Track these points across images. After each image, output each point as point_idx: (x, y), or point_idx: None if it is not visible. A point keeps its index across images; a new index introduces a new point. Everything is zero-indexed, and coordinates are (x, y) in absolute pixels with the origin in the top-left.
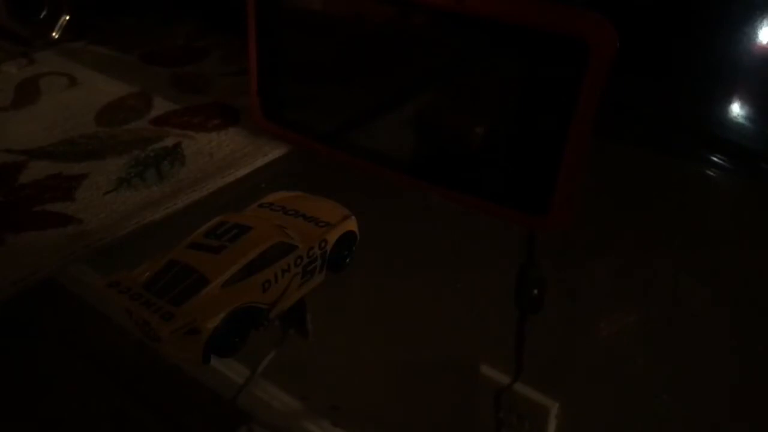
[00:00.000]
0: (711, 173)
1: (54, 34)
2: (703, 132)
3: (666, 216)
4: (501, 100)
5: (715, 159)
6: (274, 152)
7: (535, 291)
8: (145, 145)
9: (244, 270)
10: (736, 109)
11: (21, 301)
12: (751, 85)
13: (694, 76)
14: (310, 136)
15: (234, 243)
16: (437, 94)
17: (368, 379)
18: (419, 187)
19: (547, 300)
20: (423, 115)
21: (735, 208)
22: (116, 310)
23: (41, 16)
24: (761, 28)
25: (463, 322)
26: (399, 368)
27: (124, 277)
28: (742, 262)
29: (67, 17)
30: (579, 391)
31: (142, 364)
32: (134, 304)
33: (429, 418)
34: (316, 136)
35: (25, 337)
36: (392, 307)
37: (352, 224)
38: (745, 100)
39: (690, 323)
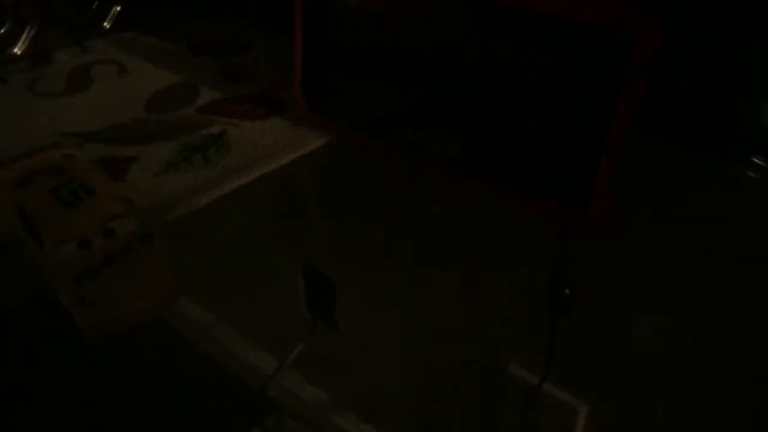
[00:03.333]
0: (752, 175)
1: (105, 24)
2: (745, 133)
3: (705, 217)
4: (546, 93)
5: (756, 161)
6: (316, 142)
7: (567, 290)
8: (192, 131)
9: None
10: None
11: None
12: None
13: (737, 76)
14: (352, 128)
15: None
16: (481, 89)
17: (396, 375)
18: (457, 179)
19: (579, 300)
20: (466, 109)
21: None
22: None
23: (94, 7)
24: None
25: (493, 320)
26: (427, 365)
27: None
28: None
29: (118, 8)
30: (610, 395)
31: (173, 352)
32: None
33: (455, 416)
34: (358, 128)
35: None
36: (422, 303)
37: None
38: None
39: (728, 329)
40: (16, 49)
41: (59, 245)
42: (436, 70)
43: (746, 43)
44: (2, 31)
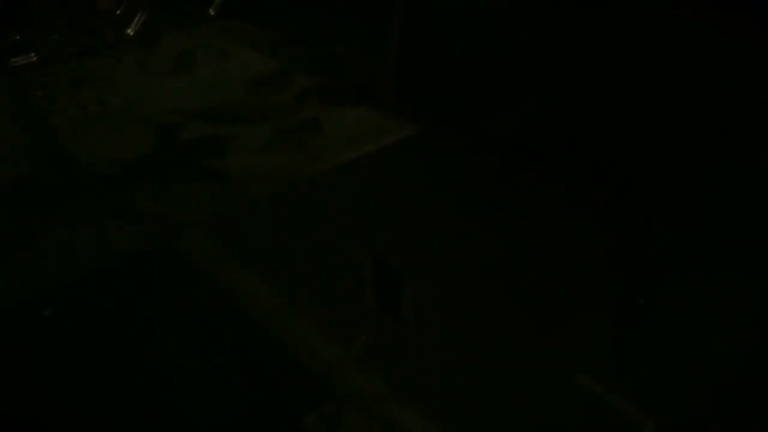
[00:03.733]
0: None
1: (211, 11)
2: None
3: None
4: (638, 92)
5: None
6: (403, 132)
7: (641, 300)
8: (287, 115)
9: None
10: None
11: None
12: None
13: None
14: (440, 119)
15: None
16: (576, 86)
17: (461, 376)
18: (541, 176)
19: (654, 312)
20: (557, 105)
21: None
22: None
23: None
24: None
25: (563, 328)
26: (493, 367)
27: None
28: None
29: None
30: (679, 415)
31: (241, 331)
32: None
33: (517, 421)
34: (446, 120)
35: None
36: (491, 303)
37: None
38: None
39: None
40: (129, 30)
41: None
42: (525, 66)
43: None
44: (118, 12)
